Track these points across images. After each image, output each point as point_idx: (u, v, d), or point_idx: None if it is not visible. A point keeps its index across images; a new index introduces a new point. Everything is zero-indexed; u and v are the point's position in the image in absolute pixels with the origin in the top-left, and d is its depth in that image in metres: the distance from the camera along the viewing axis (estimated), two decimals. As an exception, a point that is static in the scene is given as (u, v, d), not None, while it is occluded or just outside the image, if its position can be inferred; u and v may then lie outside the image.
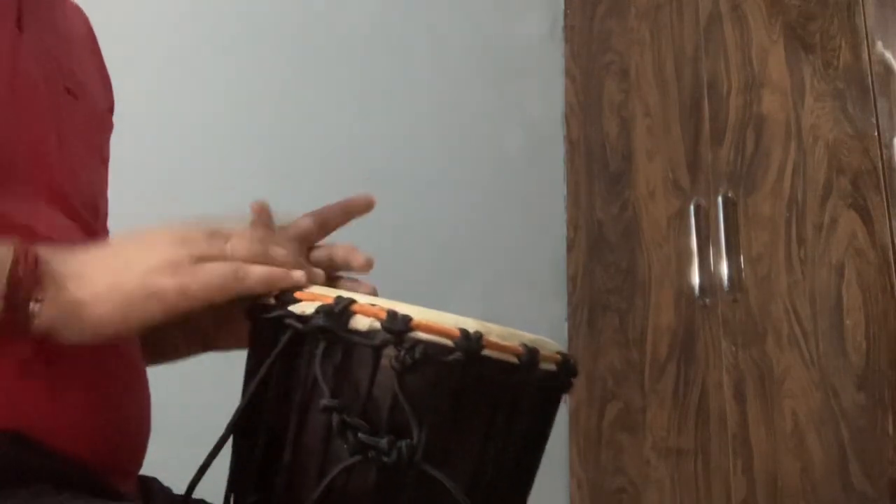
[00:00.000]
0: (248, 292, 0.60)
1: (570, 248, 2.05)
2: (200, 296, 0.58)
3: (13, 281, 0.55)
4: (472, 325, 0.57)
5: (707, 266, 1.70)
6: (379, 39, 1.93)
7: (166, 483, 0.78)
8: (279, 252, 0.63)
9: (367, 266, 0.72)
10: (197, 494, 0.62)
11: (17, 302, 0.55)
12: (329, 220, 0.74)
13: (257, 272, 0.60)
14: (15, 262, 0.55)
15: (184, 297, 0.58)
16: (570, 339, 1.97)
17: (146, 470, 0.74)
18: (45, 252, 0.57)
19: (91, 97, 0.78)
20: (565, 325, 1.99)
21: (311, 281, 0.62)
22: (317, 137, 1.79)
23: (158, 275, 0.58)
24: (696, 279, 1.72)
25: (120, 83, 0.88)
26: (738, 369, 1.61)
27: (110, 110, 0.86)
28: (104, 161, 0.81)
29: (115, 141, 0.85)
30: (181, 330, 0.76)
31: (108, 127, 0.83)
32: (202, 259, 0.59)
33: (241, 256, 0.61)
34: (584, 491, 1.87)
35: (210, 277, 0.59)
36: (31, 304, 0.55)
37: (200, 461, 0.59)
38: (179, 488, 0.65)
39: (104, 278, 0.58)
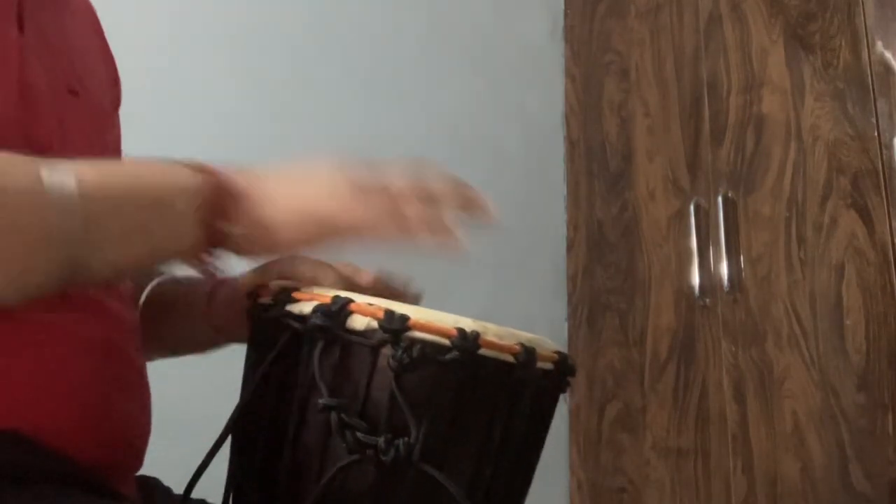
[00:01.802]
0: (414, 242, 0.64)
1: (570, 248, 2.05)
2: (368, 233, 0.63)
3: (208, 204, 0.60)
4: (469, 324, 0.57)
5: (707, 266, 1.70)
6: (378, 39, 1.93)
7: (166, 483, 0.78)
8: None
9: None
10: (196, 494, 0.63)
11: (211, 224, 0.60)
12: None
13: (424, 230, 0.65)
14: (206, 188, 0.61)
15: (355, 229, 0.63)
16: (570, 338, 1.98)
17: (146, 470, 0.74)
18: (229, 173, 0.63)
19: (95, 95, 0.78)
20: (565, 325, 1.99)
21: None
22: (316, 138, 1.79)
23: (332, 202, 0.63)
24: (696, 279, 1.72)
25: (125, 75, 0.88)
26: (738, 369, 1.61)
27: (116, 104, 0.86)
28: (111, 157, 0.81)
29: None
30: (212, 325, 0.78)
31: (113, 124, 0.83)
32: (380, 196, 0.64)
33: (401, 194, 0.64)
34: (584, 491, 1.87)
35: (381, 218, 0.63)
36: (227, 225, 0.61)
37: (200, 461, 0.60)
38: (179, 488, 0.66)
39: (287, 202, 0.63)
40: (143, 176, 0.61)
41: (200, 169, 0.62)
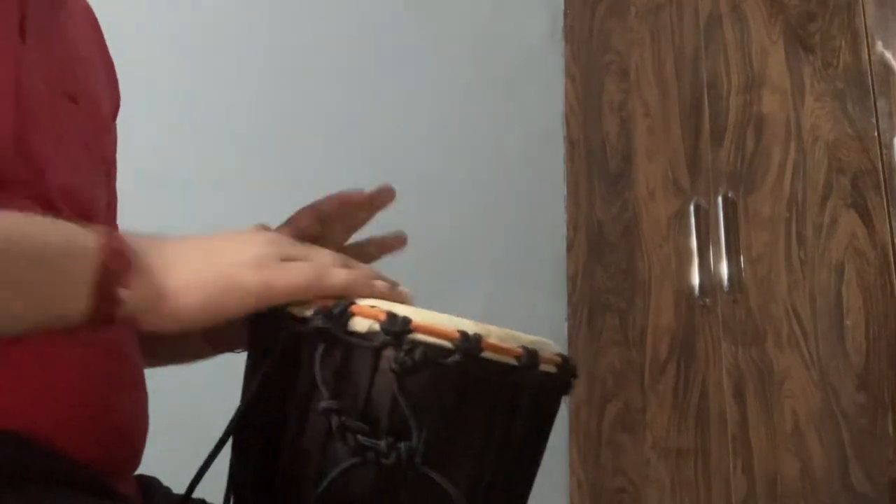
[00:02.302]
0: (328, 293, 0.60)
1: (570, 248, 2.05)
2: (282, 293, 0.59)
3: (103, 269, 0.55)
4: (471, 326, 0.57)
5: (707, 266, 1.70)
6: (378, 39, 1.93)
7: (166, 483, 0.78)
8: (360, 264, 0.64)
9: (402, 241, 0.73)
10: (197, 494, 0.62)
11: (106, 289, 0.55)
12: (351, 215, 0.75)
13: (341, 275, 0.61)
14: (104, 251, 0.56)
15: (266, 293, 0.59)
16: (570, 339, 1.98)
17: (146, 470, 0.74)
18: (132, 240, 0.58)
19: (94, 101, 0.77)
20: (565, 325, 1.99)
21: (398, 297, 0.62)
22: (317, 139, 1.79)
23: (245, 269, 0.59)
24: (696, 279, 1.72)
25: (123, 80, 0.88)
26: (738, 369, 1.61)
27: (115, 111, 0.86)
28: (108, 167, 0.81)
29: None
30: (208, 335, 0.77)
31: (110, 132, 0.83)
32: (288, 259, 0.60)
33: (326, 262, 0.62)
34: (584, 491, 1.87)
35: (294, 276, 0.59)
36: (120, 291, 0.56)
37: (200, 461, 0.59)
38: (179, 488, 0.65)
39: (190, 269, 0.59)
40: (31, 233, 0.55)
41: (97, 231, 0.57)
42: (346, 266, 0.62)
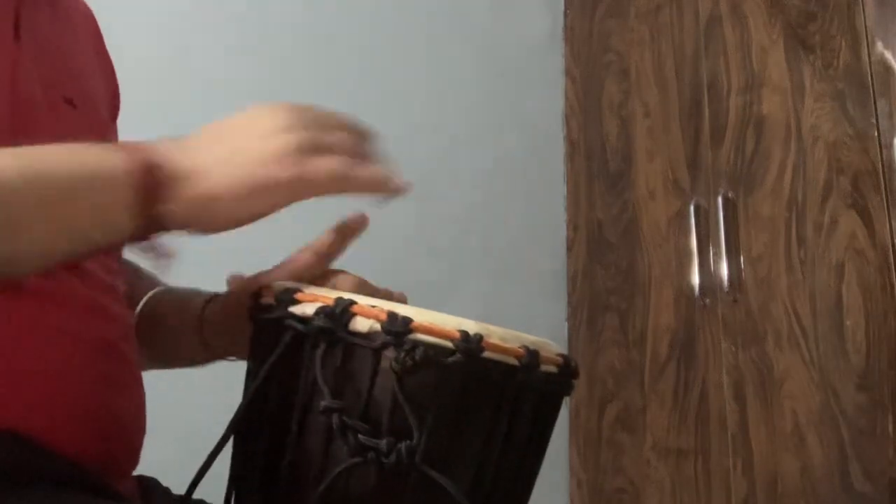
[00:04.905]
0: (355, 192, 0.60)
1: (570, 248, 2.05)
2: (310, 190, 0.60)
3: (138, 189, 0.56)
4: (472, 326, 0.57)
5: (707, 266, 1.70)
6: (378, 39, 1.93)
7: (166, 483, 0.78)
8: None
9: (364, 221, 0.71)
10: (197, 494, 0.62)
11: (147, 207, 0.57)
12: (328, 249, 0.72)
13: (366, 173, 0.61)
14: (137, 171, 0.56)
15: (300, 189, 0.59)
16: (570, 339, 1.98)
17: (146, 470, 0.74)
18: (157, 151, 0.58)
19: (93, 105, 0.77)
20: (565, 325, 1.99)
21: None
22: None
23: (273, 165, 0.59)
24: (696, 279, 1.72)
25: (121, 75, 0.88)
26: (738, 370, 1.61)
27: (114, 115, 0.86)
28: None
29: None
30: (202, 340, 0.77)
31: (111, 135, 0.82)
32: (311, 150, 0.60)
33: (346, 150, 0.61)
34: (584, 491, 1.87)
35: (321, 173, 0.59)
36: (161, 206, 0.57)
37: (200, 461, 0.59)
38: (179, 488, 0.66)
39: (223, 170, 0.59)
40: (67, 161, 0.57)
41: (130, 149, 0.58)
42: (364, 156, 0.62)
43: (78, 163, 0.57)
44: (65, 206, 0.55)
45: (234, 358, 0.75)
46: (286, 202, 0.59)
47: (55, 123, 0.68)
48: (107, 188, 0.56)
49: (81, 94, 0.74)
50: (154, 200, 0.57)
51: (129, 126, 0.87)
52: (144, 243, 0.60)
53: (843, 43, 1.58)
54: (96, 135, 0.76)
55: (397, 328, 0.55)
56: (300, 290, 0.60)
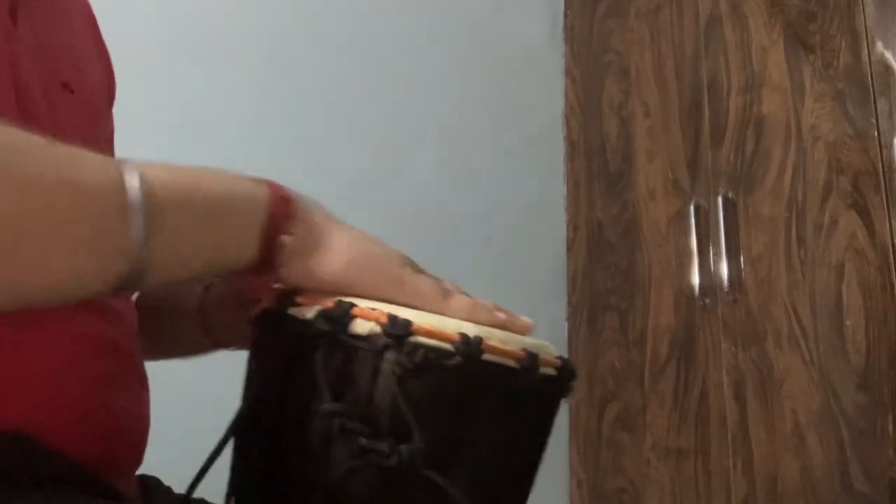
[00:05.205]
0: (447, 314, 0.60)
1: (570, 249, 2.05)
2: (409, 295, 0.60)
3: (271, 216, 0.59)
4: (472, 329, 0.57)
5: (707, 266, 1.70)
6: (378, 39, 1.93)
7: (166, 483, 0.78)
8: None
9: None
10: (197, 494, 0.63)
11: (272, 235, 0.59)
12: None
13: (463, 300, 0.61)
14: (272, 200, 0.59)
15: (397, 287, 0.60)
16: (570, 339, 1.98)
17: (146, 470, 0.74)
18: (295, 194, 0.61)
19: (90, 91, 0.77)
20: (565, 325, 1.99)
21: (519, 327, 0.62)
22: (316, 139, 1.79)
23: (386, 259, 0.61)
24: (696, 279, 1.72)
25: (117, 66, 0.88)
26: (738, 370, 1.62)
27: (111, 101, 0.85)
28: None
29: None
30: (203, 325, 0.77)
31: (107, 121, 0.82)
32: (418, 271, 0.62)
33: (450, 287, 0.63)
34: (584, 491, 1.87)
35: (424, 287, 0.61)
36: (283, 238, 0.59)
37: (201, 461, 0.60)
38: (179, 488, 0.66)
39: (342, 236, 0.61)
40: (208, 181, 0.58)
41: (261, 181, 0.60)
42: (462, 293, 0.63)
43: (226, 179, 0.59)
44: (215, 219, 0.57)
45: (237, 347, 0.75)
46: (381, 292, 0.59)
47: (54, 108, 0.68)
48: (246, 210, 0.58)
49: (79, 80, 0.74)
50: (278, 230, 0.59)
51: (124, 115, 0.88)
52: (254, 277, 0.60)
53: (843, 43, 1.58)
54: (93, 120, 0.76)
55: (397, 331, 0.55)
56: (301, 293, 0.60)
